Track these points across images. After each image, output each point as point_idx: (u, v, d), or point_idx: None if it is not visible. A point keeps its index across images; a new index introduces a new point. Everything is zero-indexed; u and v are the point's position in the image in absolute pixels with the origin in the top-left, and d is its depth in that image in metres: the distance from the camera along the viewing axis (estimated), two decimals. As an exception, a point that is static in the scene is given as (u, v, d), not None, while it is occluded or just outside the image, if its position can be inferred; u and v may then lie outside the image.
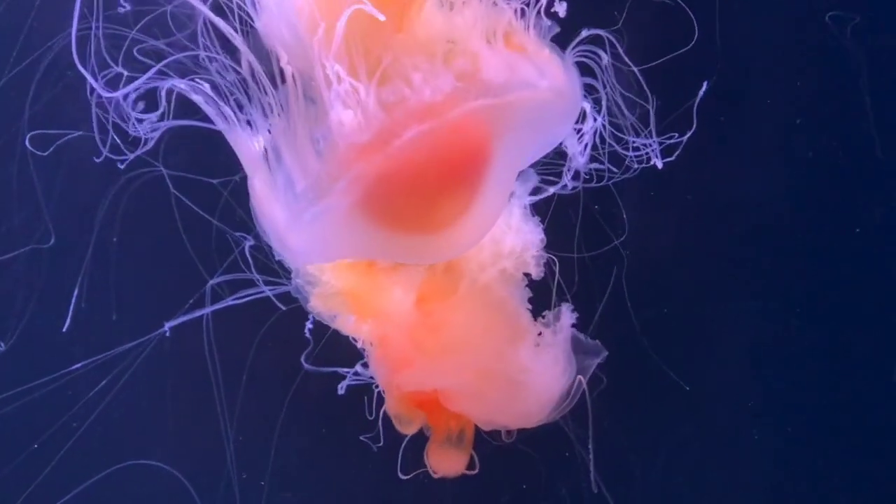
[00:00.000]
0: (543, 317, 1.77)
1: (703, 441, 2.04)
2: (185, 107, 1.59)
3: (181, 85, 1.53)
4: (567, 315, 1.76)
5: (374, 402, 1.80)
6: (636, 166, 1.70)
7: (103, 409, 1.95)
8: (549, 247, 1.78)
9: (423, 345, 1.72)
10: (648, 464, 1.99)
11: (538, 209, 1.78)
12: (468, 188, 1.52)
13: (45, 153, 1.81)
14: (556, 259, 1.81)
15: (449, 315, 1.73)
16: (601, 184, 1.73)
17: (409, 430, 1.80)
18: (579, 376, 1.77)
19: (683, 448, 2.03)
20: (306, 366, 1.82)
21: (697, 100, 1.72)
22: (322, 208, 1.47)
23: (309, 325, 1.78)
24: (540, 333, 1.76)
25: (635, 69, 1.66)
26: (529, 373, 1.73)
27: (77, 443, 1.98)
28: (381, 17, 1.40)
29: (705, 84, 1.74)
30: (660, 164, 1.70)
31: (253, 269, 1.70)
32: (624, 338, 1.92)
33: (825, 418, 2.04)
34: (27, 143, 1.81)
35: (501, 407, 1.76)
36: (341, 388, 1.78)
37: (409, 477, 1.84)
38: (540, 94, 1.51)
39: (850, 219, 2.01)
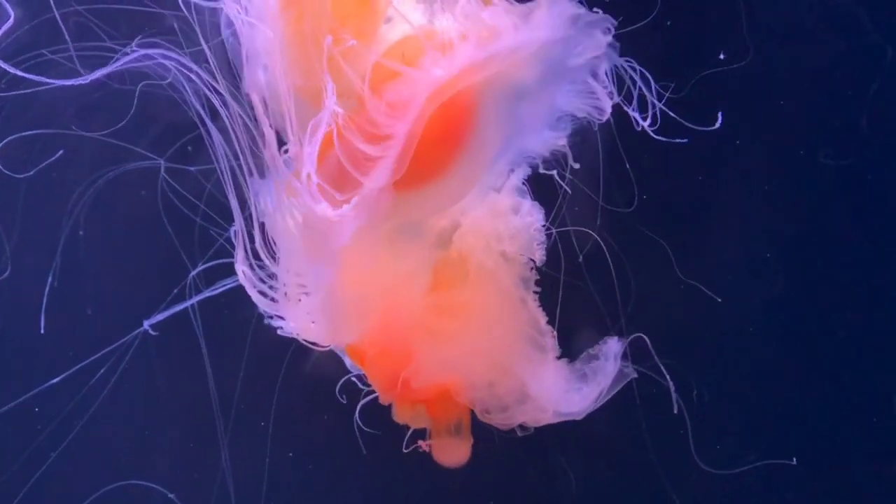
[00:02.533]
0: (591, 351, 1.73)
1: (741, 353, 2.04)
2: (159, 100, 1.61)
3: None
4: (614, 347, 1.72)
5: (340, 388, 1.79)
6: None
7: (82, 425, 1.91)
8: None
9: (439, 330, 1.69)
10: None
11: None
12: (464, 135, 1.53)
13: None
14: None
15: (463, 299, 1.71)
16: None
17: (420, 425, 1.77)
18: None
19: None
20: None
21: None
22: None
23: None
24: (584, 374, 1.73)
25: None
26: (542, 385, 1.71)
27: (55, 465, 1.94)
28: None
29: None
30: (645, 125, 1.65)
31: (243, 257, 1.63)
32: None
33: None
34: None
35: (515, 408, 1.73)
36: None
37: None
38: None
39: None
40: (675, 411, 1.77)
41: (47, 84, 1.56)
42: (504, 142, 1.63)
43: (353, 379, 1.75)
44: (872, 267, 2.01)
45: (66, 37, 1.66)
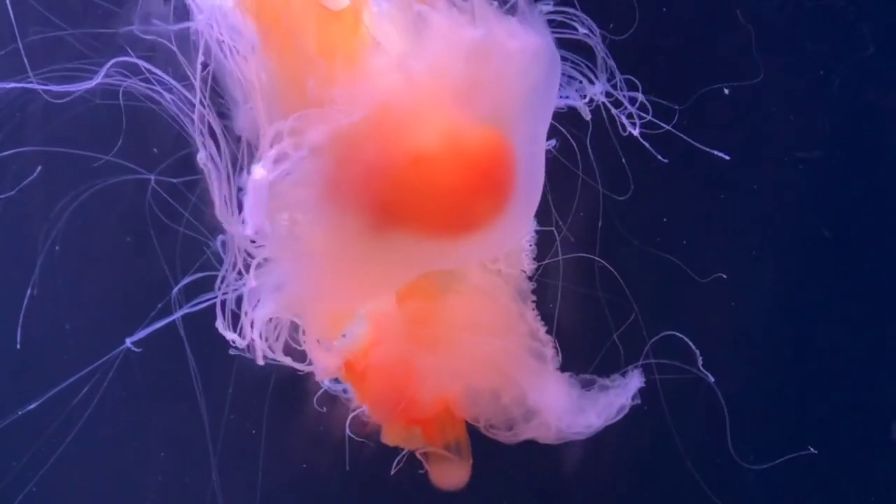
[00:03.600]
0: (612, 379, 1.76)
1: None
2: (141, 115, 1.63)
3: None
4: (635, 383, 1.75)
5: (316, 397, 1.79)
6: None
7: (63, 448, 1.88)
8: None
9: (438, 338, 1.69)
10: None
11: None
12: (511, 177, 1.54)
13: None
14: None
15: (460, 308, 1.72)
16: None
17: (413, 447, 1.77)
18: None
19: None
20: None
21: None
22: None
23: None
24: (595, 400, 1.75)
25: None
26: (543, 397, 1.72)
27: (35, 495, 1.91)
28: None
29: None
30: (635, 131, 1.73)
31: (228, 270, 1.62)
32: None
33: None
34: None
35: (521, 424, 1.73)
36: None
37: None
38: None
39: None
40: (713, 380, 1.80)
41: (19, 86, 1.58)
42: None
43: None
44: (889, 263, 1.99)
45: (23, 59, 1.67)
